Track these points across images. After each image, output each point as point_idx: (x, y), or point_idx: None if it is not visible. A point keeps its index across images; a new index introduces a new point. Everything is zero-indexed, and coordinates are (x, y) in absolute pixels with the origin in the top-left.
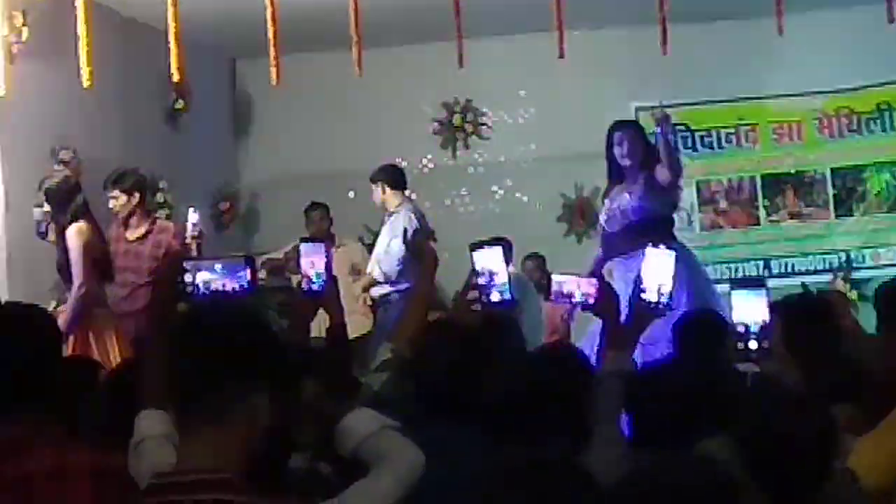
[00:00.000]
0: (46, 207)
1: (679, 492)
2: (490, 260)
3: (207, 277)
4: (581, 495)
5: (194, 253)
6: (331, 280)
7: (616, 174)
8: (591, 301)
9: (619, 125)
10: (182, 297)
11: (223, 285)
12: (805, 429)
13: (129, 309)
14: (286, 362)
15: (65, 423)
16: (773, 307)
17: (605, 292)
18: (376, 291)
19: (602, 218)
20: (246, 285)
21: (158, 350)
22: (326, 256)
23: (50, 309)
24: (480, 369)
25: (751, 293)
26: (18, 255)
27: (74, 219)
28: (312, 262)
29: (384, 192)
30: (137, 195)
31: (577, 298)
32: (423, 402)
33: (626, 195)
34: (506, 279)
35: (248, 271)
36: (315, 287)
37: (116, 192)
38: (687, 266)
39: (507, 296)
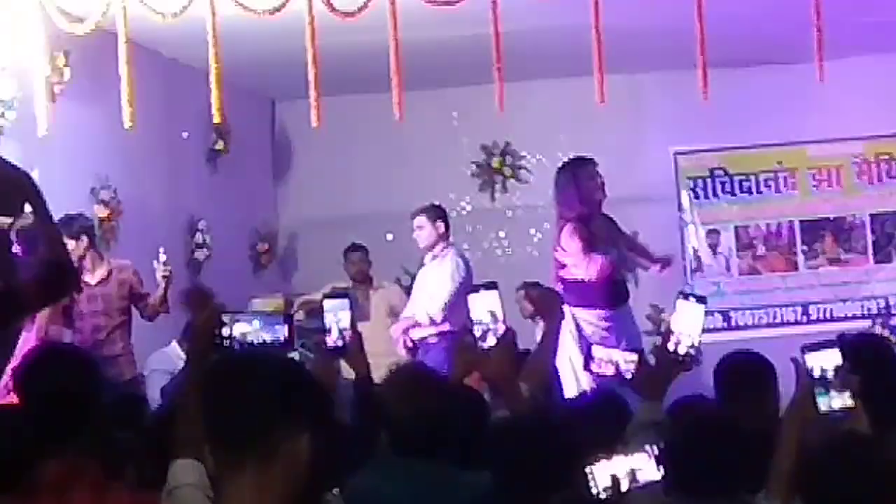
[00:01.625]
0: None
1: None
2: (486, 304)
3: (245, 329)
4: None
5: (162, 291)
6: (354, 334)
7: (587, 210)
8: (630, 375)
9: (592, 161)
10: (219, 350)
11: (259, 338)
12: (875, 473)
13: (109, 353)
14: (323, 402)
15: (107, 463)
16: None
17: (645, 367)
18: (417, 333)
19: (604, 261)
20: (283, 339)
21: (193, 401)
22: (350, 310)
23: None
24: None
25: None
26: None
27: None
28: (336, 316)
29: (430, 232)
30: (85, 239)
31: (623, 368)
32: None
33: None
34: (501, 322)
35: (286, 327)
36: (339, 343)
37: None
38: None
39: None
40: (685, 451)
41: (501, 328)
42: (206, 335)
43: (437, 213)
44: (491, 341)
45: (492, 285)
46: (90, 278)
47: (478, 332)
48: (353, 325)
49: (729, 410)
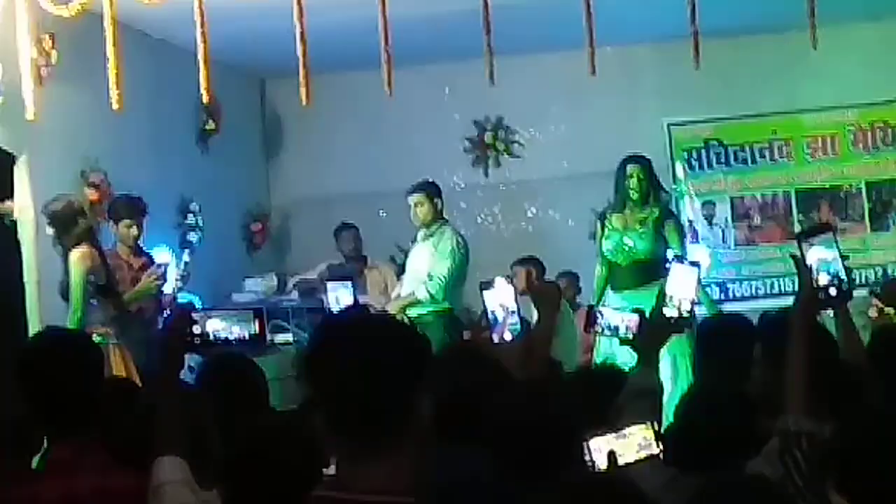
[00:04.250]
0: (49, 230)
1: None
2: (499, 298)
3: (217, 326)
4: None
5: (177, 290)
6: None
7: (619, 203)
8: (632, 335)
9: (631, 159)
10: (192, 349)
11: (231, 332)
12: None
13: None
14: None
15: (113, 447)
16: None
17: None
18: (415, 311)
19: (609, 246)
20: (253, 334)
21: (172, 399)
22: (353, 293)
23: None
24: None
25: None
26: (50, 278)
27: (77, 243)
28: (338, 297)
29: (429, 209)
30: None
31: (622, 332)
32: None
33: (636, 233)
34: (516, 316)
35: (257, 322)
36: None
37: (135, 221)
38: None
39: (519, 330)
40: (688, 427)
41: (515, 320)
42: (179, 335)
43: (434, 189)
44: (507, 335)
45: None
46: (135, 262)
47: (493, 322)
48: (356, 305)
49: (707, 373)
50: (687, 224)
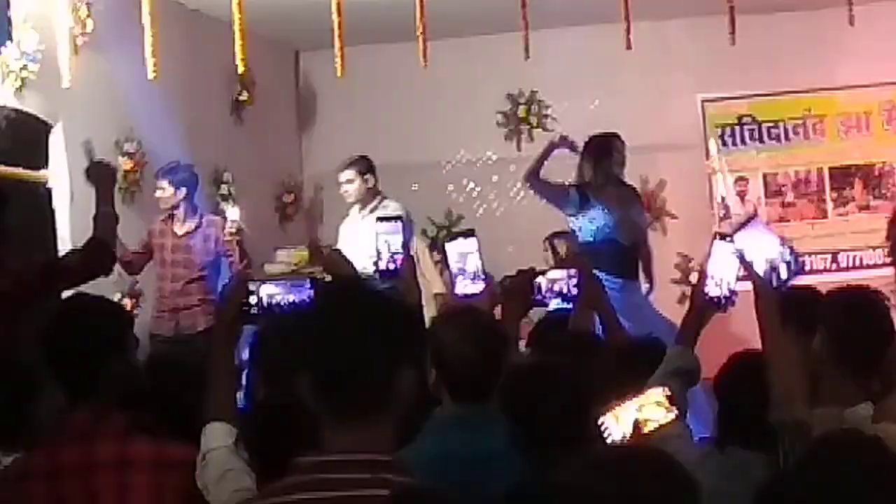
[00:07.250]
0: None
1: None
2: (462, 250)
3: (272, 291)
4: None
5: (234, 251)
6: (408, 258)
7: (602, 179)
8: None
9: (614, 135)
10: (247, 319)
11: (286, 299)
12: None
13: (185, 304)
14: (423, 336)
15: (133, 414)
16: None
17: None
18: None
19: (609, 223)
20: (308, 301)
21: (223, 367)
22: (403, 235)
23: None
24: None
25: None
26: None
27: None
28: (388, 241)
29: (359, 186)
30: (184, 190)
31: (569, 292)
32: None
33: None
34: (479, 268)
35: (313, 291)
36: (391, 266)
37: (164, 184)
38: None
39: (481, 286)
40: (735, 402)
41: (479, 274)
42: (236, 303)
43: (365, 165)
44: (469, 289)
45: (469, 233)
46: (178, 229)
47: (458, 279)
48: (405, 249)
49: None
50: (720, 200)
